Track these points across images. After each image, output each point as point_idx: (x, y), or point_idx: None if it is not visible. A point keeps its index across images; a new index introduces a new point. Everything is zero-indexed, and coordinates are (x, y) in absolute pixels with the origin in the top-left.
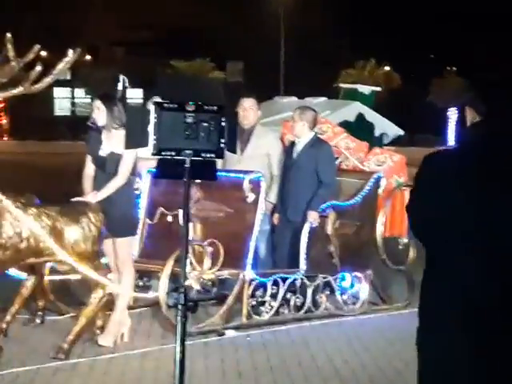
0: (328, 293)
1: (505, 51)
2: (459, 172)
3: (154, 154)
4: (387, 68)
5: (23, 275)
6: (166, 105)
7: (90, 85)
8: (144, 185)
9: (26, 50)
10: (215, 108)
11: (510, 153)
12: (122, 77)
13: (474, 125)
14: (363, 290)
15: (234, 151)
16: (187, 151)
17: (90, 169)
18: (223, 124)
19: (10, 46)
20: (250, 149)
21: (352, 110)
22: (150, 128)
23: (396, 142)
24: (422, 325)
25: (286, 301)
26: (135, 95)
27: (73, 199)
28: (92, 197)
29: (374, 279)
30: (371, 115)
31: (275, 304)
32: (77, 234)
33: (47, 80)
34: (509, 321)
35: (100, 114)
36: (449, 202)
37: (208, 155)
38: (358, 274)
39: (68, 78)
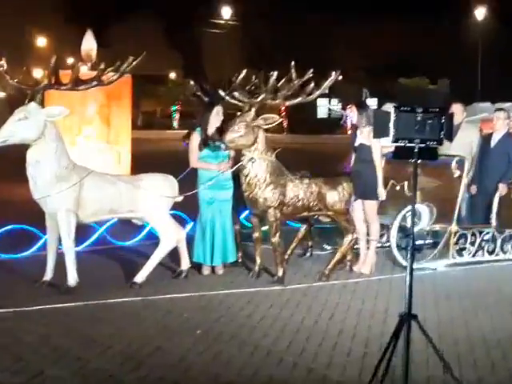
0: None
1: None
2: None
3: (392, 142)
4: None
5: (298, 224)
6: (402, 108)
7: (342, 96)
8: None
9: (302, 72)
10: (437, 109)
11: None
12: (364, 90)
13: None
14: None
15: (450, 139)
16: (416, 140)
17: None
18: (443, 121)
19: (293, 71)
20: (457, 139)
21: None
22: (391, 124)
23: None
24: None
25: (481, 247)
26: (372, 103)
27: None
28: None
29: None
30: None
31: (473, 249)
32: (335, 197)
33: (317, 93)
34: None
35: (354, 115)
36: None
37: (431, 143)
38: None
39: (327, 91)
